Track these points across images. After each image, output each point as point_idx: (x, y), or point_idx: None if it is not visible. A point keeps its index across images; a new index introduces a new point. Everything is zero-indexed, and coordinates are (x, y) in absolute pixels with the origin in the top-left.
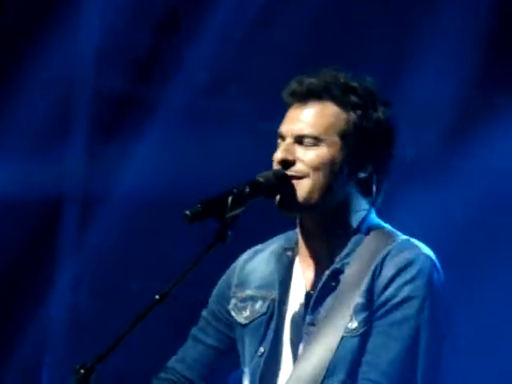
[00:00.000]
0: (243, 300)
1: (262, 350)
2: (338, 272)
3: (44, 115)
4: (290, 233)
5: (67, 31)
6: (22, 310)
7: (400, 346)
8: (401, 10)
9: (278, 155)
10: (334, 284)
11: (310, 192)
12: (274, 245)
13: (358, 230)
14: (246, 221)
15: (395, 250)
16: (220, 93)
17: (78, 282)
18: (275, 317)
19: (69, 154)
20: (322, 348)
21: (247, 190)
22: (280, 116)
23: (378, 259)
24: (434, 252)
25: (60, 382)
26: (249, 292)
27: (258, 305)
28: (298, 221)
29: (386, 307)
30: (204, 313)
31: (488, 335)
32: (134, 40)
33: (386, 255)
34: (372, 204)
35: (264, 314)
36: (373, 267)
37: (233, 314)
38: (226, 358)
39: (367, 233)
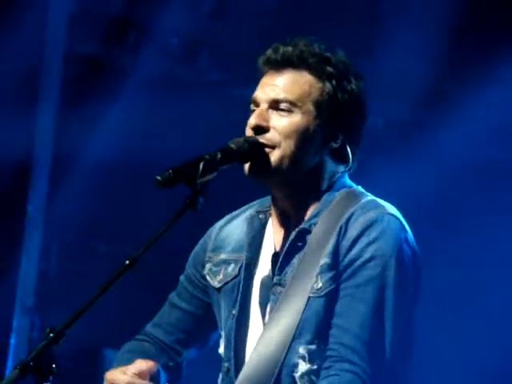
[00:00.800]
0: (217, 264)
1: (233, 312)
2: (305, 232)
3: (14, 78)
4: (267, 197)
5: None
6: None
7: (367, 307)
8: None
9: (252, 121)
10: (300, 244)
11: (281, 159)
12: (249, 210)
13: (328, 192)
14: (223, 188)
15: (360, 210)
16: (191, 59)
17: (46, 247)
18: (244, 278)
19: (38, 118)
20: (290, 309)
21: (219, 156)
22: (252, 83)
23: (344, 219)
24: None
25: (29, 346)
26: (223, 256)
27: (230, 268)
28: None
29: (351, 268)
30: (181, 278)
31: (455, 302)
32: (106, 3)
33: (351, 215)
34: (347, 170)
35: (236, 276)
36: (338, 227)
37: (208, 278)
38: (202, 323)
39: (336, 194)
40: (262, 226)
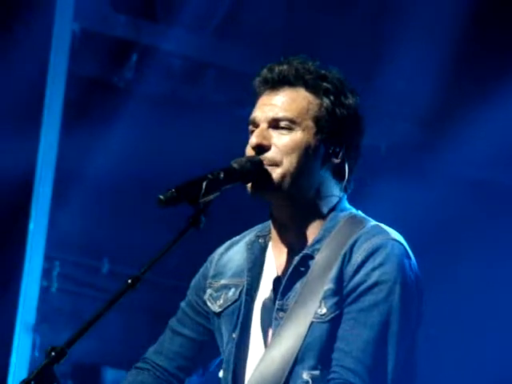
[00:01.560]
0: (218, 290)
1: (233, 336)
2: (308, 257)
3: (17, 97)
4: (267, 222)
5: (43, 14)
6: None
7: (370, 332)
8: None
9: (253, 140)
10: (303, 269)
11: (283, 177)
12: (249, 235)
13: (329, 217)
14: (225, 211)
15: (364, 236)
16: (195, 80)
17: (48, 265)
18: (244, 303)
19: (41, 137)
20: (292, 334)
21: (221, 175)
22: (254, 103)
23: (348, 245)
24: (406, 242)
25: (30, 365)
26: (223, 281)
27: (230, 292)
28: (270, 208)
29: (356, 293)
30: (182, 304)
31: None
32: (110, 24)
33: (356, 241)
34: (344, 190)
35: (236, 300)
36: (342, 253)
37: (208, 304)
38: (204, 349)
39: (338, 219)
40: (262, 250)
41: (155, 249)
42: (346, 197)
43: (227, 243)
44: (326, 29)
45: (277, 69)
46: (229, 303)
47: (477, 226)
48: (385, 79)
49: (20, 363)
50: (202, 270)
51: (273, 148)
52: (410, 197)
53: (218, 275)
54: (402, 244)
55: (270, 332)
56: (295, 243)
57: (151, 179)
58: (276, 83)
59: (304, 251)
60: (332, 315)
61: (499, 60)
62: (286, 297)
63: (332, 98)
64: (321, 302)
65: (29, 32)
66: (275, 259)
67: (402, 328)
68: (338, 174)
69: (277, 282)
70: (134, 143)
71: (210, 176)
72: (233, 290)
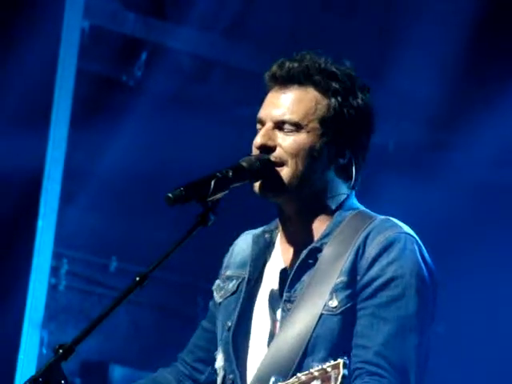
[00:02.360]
0: (224, 280)
1: (228, 324)
2: (316, 250)
3: (27, 95)
4: (277, 219)
5: (52, 11)
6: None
7: (390, 326)
8: None
9: (258, 140)
10: (311, 262)
11: (290, 178)
12: (258, 229)
13: (336, 213)
14: (235, 208)
15: (377, 229)
16: (203, 78)
17: (57, 263)
18: (243, 294)
19: (50, 134)
20: (300, 325)
21: (230, 174)
22: (261, 102)
23: (361, 238)
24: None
25: (37, 362)
26: (229, 273)
27: (231, 284)
28: (278, 205)
29: (371, 288)
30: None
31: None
32: (120, 22)
33: (368, 234)
34: (351, 188)
35: (234, 292)
36: (355, 246)
37: (214, 294)
38: None
39: (346, 215)
40: (268, 245)
41: (163, 247)
42: (353, 194)
43: (243, 235)
44: (333, 28)
45: (287, 66)
46: (228, 294)
47: (483, 225)
48: (393, 79)
49: (28, 360)
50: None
51: (278, 149)
52: (418, 195)
53: (228, 266)
54: (414, 237)
55: (277, 323)
56: (302, 238)
57: (159, 177)
58: (285, 80)
59: (312, 244)
60: (343, 308)
61: (508, 62)
62: (294, 289)
63: (340, 98)
64: (332, 295)
65: (38, 29)
66: (282, 253)
67: (420, 321)
68: (345, 174)
69: (284, 273)
70: (142, 141)
71: (218, 174)
72: (234, 281)
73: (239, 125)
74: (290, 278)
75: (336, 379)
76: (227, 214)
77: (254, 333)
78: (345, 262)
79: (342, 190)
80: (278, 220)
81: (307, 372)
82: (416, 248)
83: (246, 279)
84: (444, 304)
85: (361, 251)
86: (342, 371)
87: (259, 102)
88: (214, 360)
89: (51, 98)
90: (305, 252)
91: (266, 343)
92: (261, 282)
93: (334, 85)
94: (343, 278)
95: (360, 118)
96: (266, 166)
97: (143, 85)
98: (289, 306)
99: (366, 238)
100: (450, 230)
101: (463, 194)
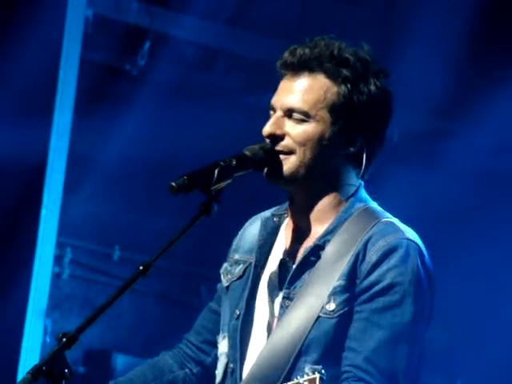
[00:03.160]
0: (232, 264)
1: (237, 312)
2: (319, 248)
3: (30, 84)
4: (287, 202)
5: (56, 0)
6: (3, 279)
7: (383, 333)
8: None
9: (266, 129)
10: (313, 259)
11: (297, 167)
12: (270, 211)
13: (344, 206)
14: (240, 196)
15: (379, 234)
16: (207, 67)
17: (60, 251)
18: (250, 280)
19: (54, 121)
20: (296, 324)
21: (234, 162)
22: (267, 91)
23: (361, 242)
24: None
25: (41, 350)
26: (237, 256)
27: (238, 268)
28: (288, 192)
29: (369, 293)
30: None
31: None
32: (123, 11)
33: (370, 238)
34: (361, 177)
35: (240, 277)
36: (356, 249)
37: (221, 277)
38: None
39: (352, 211)
40: (275, 229)
41: (166, 235)
42: (363, 185)
43: (253, 217)
44: (338, 17)
45: (298, 52)
46: (234, 278)
47: (488, 214)
48: (397, 68)
49: (31, 349)
50: (231, 245)
51: (286, 137)
52: (422, 185)
53: (236, 249)
54: (416, 243)
55: (275, 319)
56: (307, 228)
57: (163, 166)
58: (296, 67)
59: (315, 242)
60: (341, 312)
61: (511, 50)
62: (294, 286)
63: (350, 85)
64: (330, 298)
65: (42, 18)
66: (285, 241)
67: (415, 329)
68: (355, 162)
69: (284, 265)
70: (145, 130)
71: (222, 163)
72: (240, 265)
73: (243, 113)
74: (290, 275)
75: None
76: (230, 203)
77: (256, 324)
78: (345, 265)
79: (352, 179)
80: (287, 204)
81: None
82: (417, 254)
83: (253, 265)
84: (445, 292)
85: (361, 256)
86: None
87: (263, 90)
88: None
89: (55, 87)
90: (307, 249)
91: (266, 337)
92: (265, 269)
93: (345, 72)
94: (342, 282)
95: (372, 104)
96: (270, 154)
97: (146, 74)
98: (287, 303)
99: (367, 242)
100: (454, 219)
101: (467, 182)
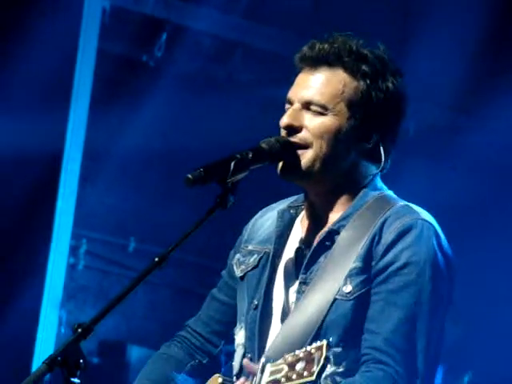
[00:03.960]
0: (245, 255)
1: (255, 302)
2: (334, 233)
3: (47, 76)
4: (302, 194)
5: None
6: (19, 270)
7: (401, 312)
8: None
9: (284, 120)
10: (328, 244)
11: (313, 161)
12: (284, 204)
13: (359, 194)
14: (252, 189)
15: (394, 215)
16: (224, 59)
17: (76, 243)
18: (268, 270)
19: (71, 113)
20: (313, 308)
21: (250, 155)
22: (284, 84)
23: (377, 224)
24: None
25: (56, 341)
26: (250, 247)
27: (252, 258)
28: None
29: (385, 273)
30: (223, 272)
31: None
32: (141, 2)
33: (385, 220)
34: (380, 170)
35: (255, 266)
36: (372, 232)
37: (234, 268)
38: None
39: (368, 198)
40: (292, 221)
41: (182, 227)
42: (379, 175)
43: (264, 209)
44: (354, 10)
45: (317, 47)
46: (249, 268)
47: (504, 207)
48: (413, 62)
49: (46, 339)
50: (240, 236)
51: (303, 130)
52: (438, 178)
53: (248, 240)
54: (432, 224)
55: (292, 305)
56: (323, 217)
57: (179, 158)
58: (315, 61)
59: (330, 226)
60: (357, 293)
61: None
62: (310, 271)
63: (369, 81)
64: (346, 280)
65: (59, 9)
66: (302, 231)
67: (432, 308)
68: (372, 158)
69: (299, 253)
70: (161, 121)
71: (238, 156)
72: (255, 256)
73: (260, 105)
74: (306, 260)
75: (319, 361)
76: (243, 196)
77: (274, 314)
78: (361, 248)
79: (369, 171)
80: (303, 196)
81: (293, 354)
82: (433, 234)
83: (271, 255)
84: (463, 284)
85: (377, 237)
86: (324, 353)
87: (280, 82)
88: (228, 333)
89: (72, 78)
90: (323, 234)
91: (281, 325)
92: (281, 258)
93: (364, 67)
94: (358, 264)
95: (389, 101)
96: (286, 147)
97: (163, 65)
98: (304, 288)
99: (383, 224)
100: (469, 212)
101: (482, 176)
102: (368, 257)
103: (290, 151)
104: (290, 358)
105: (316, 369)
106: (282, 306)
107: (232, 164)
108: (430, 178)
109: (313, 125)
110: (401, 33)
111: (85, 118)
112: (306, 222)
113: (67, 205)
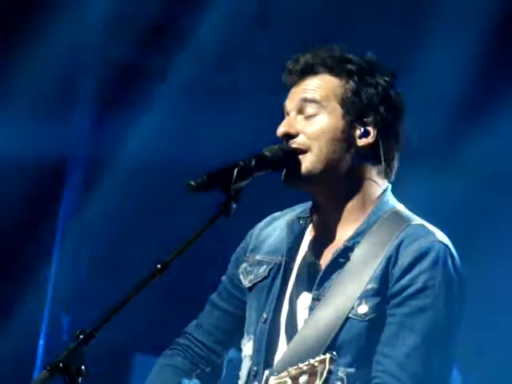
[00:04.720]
0: (252, 264)
1: (265, 316)
2: (348, 250)
3: (51, 82)
4: (309, 203)
5: None
6: (21, 276)
7: (416, 337)
8: None
9: (281, 129)
10: (342, 261)
11: (314, 164)
12: (291, 213)
13: (372, 209)
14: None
15: (411, 237)
16: (227, 66)
17: (78, 250)
18: (278, 283)
19: (75, 120)
20: (324, 323)
21: (253, 162)
22: (286, 91)
23: (393, 245)
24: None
25: (58, 348)
26: (258, 257)
27: (261, 269)
28: (310, 195)
29: (402, 296)
30: (223, 278)
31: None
32: (144, 9)
33: (402, 241)
34: (386, 176)
35: (265, 277)
36: (387, 252)
37: (241, 277)
38: (242, 323)
39: (381, 214)
40: (302, 232)
41: (185, 234)
42: (390, 188)
43: (268, 218)
44: (359, 17)
45: (301, 59)
46: (258, 279)
47: (508, 214)
48: (418, 69)
49: (49, 345)
50: (242, 243)
51: (300, 135)
52: (442, 187)
53: (255, 249)
54: (447, 246)
55: (303, 320)
56: (334, 229)
57: (183, 165)
58: (302, 73)
59: (344, 243)
60: (372, 315)
61: None
62: (323, 287)
63: (356, 78)
64: (361, 300)
65: (63, 15)
66: (312, 243)
67: (447, 332)
68: (373, 158)
69: (313, 267)
70: (166, 128)
71: (241, 163)
72: (264, 266)
73: (264, 112)
74: (319, 276)
75: (322, 374)
76: (246, 204)
77: (283, 327)
78: (376, 268)
79: (373, 176)
80: (311, 206)
81: (296, 367)
82: (449, 257)
83: (282, 268)
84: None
85: (393, 259)
86: (327, 366)
87: (283, 90)
88: (231, 342)
89: (76, 84)
90: (337, 250)
91: (291, 339)
92: (292, 271)
93: (349, 66)
94: (374, 285)
95: (381, 96)
96: (289, 155)
97: (168, 71)
98: (315, 304)
99: (400, 245)
100: (473, 221)
101: (487, 185)
102: (384, 278)
103: (292, 158)
104: (293, 371)
105: (319, 382)
106: (291, 321)
107: (235, 171)
108: (433, 186)
109: (309, 128)
110: (404, 42)
111: (88, 124)
112: (315, 234)
113: (70, 213)
